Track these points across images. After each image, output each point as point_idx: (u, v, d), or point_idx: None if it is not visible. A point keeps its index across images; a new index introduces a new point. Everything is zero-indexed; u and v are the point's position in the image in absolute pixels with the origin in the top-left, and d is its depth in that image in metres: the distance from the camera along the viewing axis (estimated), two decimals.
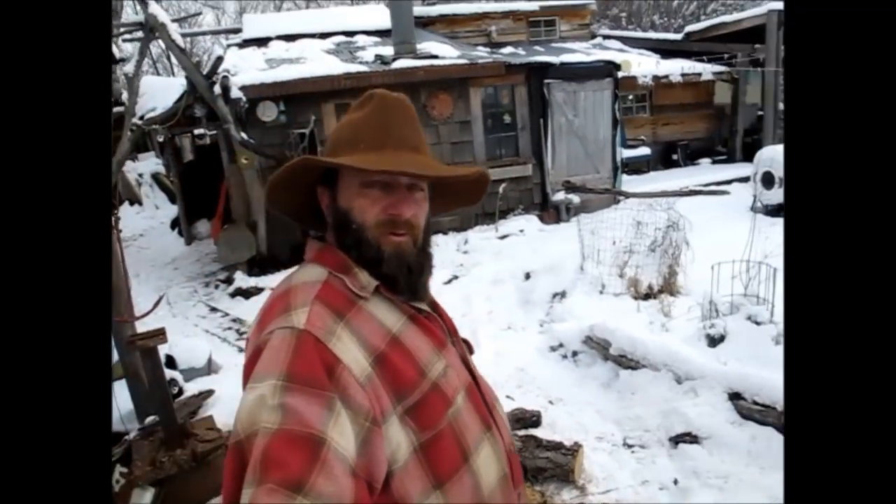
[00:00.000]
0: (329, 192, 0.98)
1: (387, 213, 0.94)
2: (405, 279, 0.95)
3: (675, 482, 3.10)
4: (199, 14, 20.74)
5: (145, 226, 12.04)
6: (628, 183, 9.96)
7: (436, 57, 8.31)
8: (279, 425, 0.73)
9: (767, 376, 3.32)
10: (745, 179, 8.84)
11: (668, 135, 12.42)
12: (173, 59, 18.44)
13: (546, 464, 3.10)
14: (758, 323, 3.89)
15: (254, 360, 0.83)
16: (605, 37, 14.92)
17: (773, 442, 3.17)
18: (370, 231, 0.93)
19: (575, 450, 3.15)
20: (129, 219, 12.04)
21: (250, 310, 6.57)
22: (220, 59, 7.13)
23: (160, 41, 7.49)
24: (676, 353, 3.70)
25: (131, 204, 12.78)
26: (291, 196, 1.02)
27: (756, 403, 3.28)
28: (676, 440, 3.33)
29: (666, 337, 4.09)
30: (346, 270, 0.93)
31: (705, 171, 10.89)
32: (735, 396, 3.37)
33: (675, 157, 12.09)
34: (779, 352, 3.65)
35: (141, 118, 7.47)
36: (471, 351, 1.11)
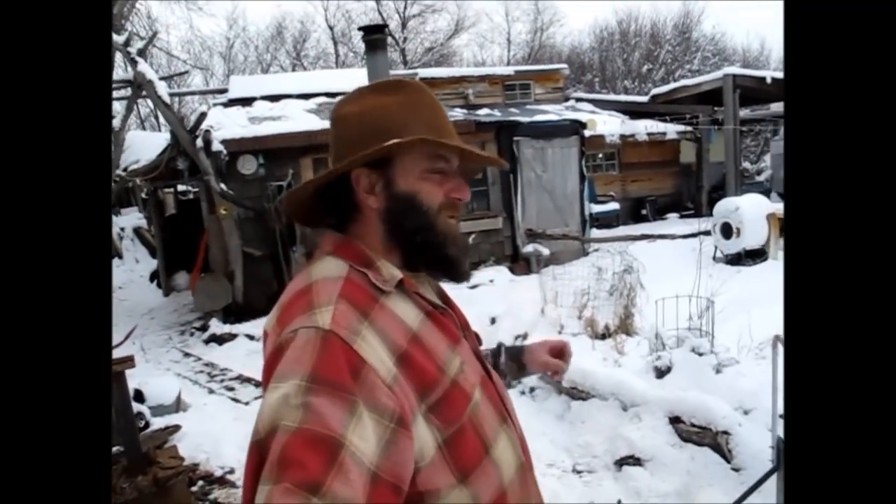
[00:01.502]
0: (378, 176, 0.94)
1: (450, 197, 0.95)
2: (463, 258, 0.99)
3: (619, 503, 3.25)
4: (187, 73, 21.42)
5: (124, 279, 12.14)
6: (598, 237, 10.32)
7: None
8: (300, 424, 0.72)
9: (704, 399, 3.52)
10: (709, 233, 9.25)
11: (637, 191, 12.94)
12: (161, 118, 18.97)
13: None
14: (700, 354, 4.11)
15: (276, 359, 0.81)
16: (578, 99, 15.67)
17: (709, 461, 3.35)
18: (437, 215, 0.94)
19: None
20: None
21: (224, 354, 6.70)
22: (203, 115, 7.51)
23: (147, 99, 7.88)
24: (622, 382, 3.91)
25: (111, 257, 12.92)
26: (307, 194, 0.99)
27: (693, 425, 3.47)
28: (621, 463, 3.49)
29: (615, 370, 4.29)
30: (369, 264, 0.92)
31: (673, 225, 11.31)
32: (675, 420, 3.55)
33: (643, 212, 12.55)
34: (718, 379, 3.86)
35: (124, 170, 7.76)
36: (480, 343, 1.12)
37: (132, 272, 12.56)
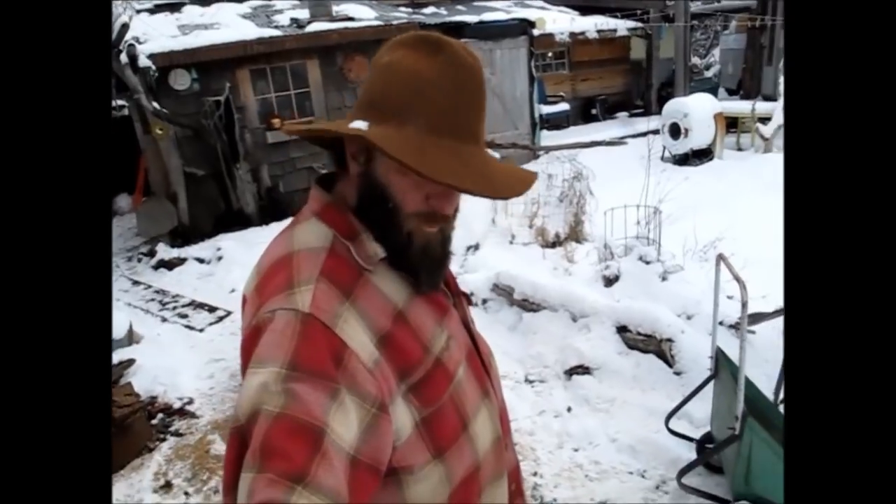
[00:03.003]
0: (363, 150, 0.86)
1: (429, 206, 0.85)
2: (427, 272, 0.89)
3: (569, 409, 3.42)
4: None
5: None
6: (548, 138, 10.25)
7: (352, 19, 8.28)
8: (282, 409, 0.70)
9: (650, 308, 3.66)
10: (657, 132, 9.29)
11: (587, 90, 12.78)
12: None
13: None
14: (647, 262, 4.22)
15: (254, 340, 0.78)
16: None
17: (653, 366, 3.53)
18: (406, 218, 0.84)
19: None
20: None
21: (174, 280, 6.56)
22: (125, 27, 6.91)
23: None
24: (572, 293, 4.01)
25: None
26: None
27: (640, 334, 3.62)
28: (571, 372, 3.64)
29: (565, 280, 4.39)
30: (353, 237, 0.86)
31: (622, 125, 11.32)
32: (622, 329, 3.69)
33: (594, 111, 12.47)
34: (664, 287, 4.00)
35: None
36: (469, 303, 1.07)
37: None
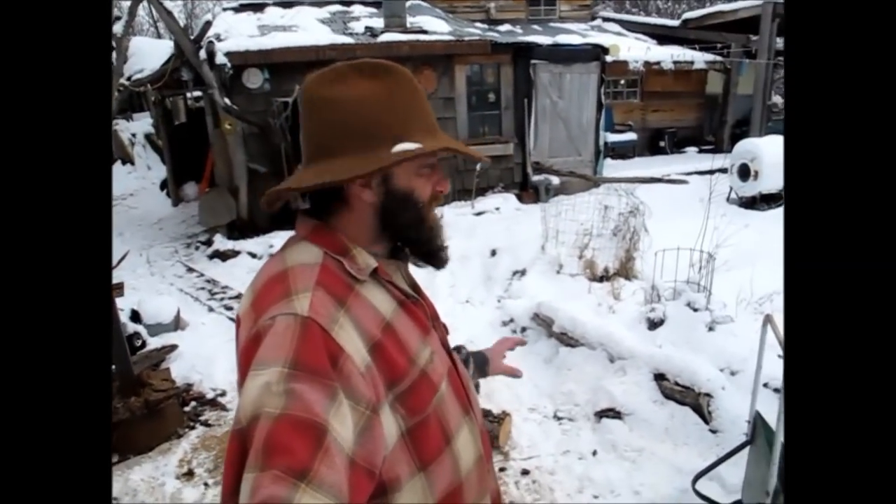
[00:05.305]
0: (377, 172, 0.92)
1: (436, 191, 0.98)
2: (443, 247, 1.02)
3: (594, 453, 3.31)
4: None
5: (136, 186, 12.16)
6: (611, 167, 10.08)
7: (425, 32, 8.37)
8: (283, 410, 0.71)
9: (691, 359, 3.51)
10: (725, 171, 8.97)
11: (657, 122, 12.50)
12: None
13: None
14: (695, 309, 4.06)
15: (254, 346, 0.80)
16: (605, 19, 14.90)
17: (688, 420, 3.37)
18: (426, 209, 0.97)
19: (501, 418, 3.34)
20: (120, 178, 12.16)
21: (226, 271, 6.76)
22: (208, 24, 7.20)
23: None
24: (611, 334, 3.89)
25: (123, 163, 12.88)
26: None
27: (678, 384, 3.47)
28: (601, 415, 3.53)
29: (608, 318, 4.27)
30: (344, 252, 0.92)
31: (690, 160, 10.98)
32: (659, 377, 3.56)
33: (662, 144, 12.18)
34: (709, 337, 3.84)
35: (128, 79, 7.56)
36: (447, 333, 1.14)
37: (144, 179, 12.56)
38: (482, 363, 1.36)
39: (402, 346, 0.90)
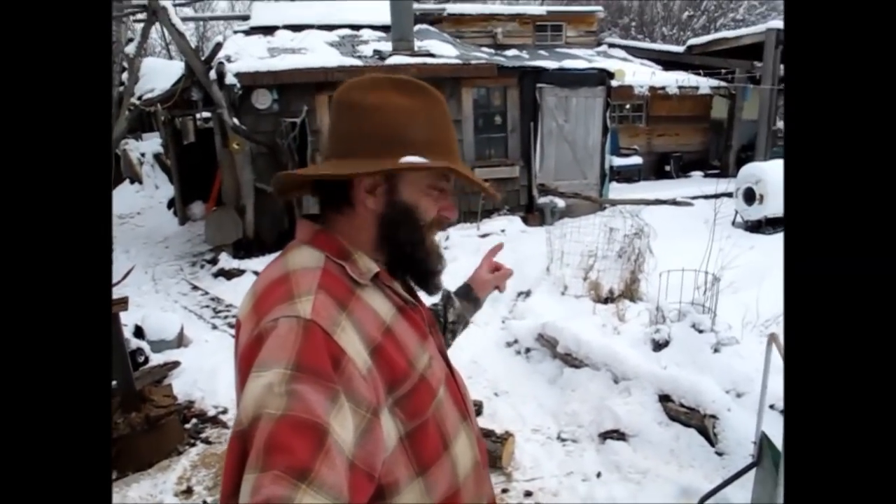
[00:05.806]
0: (383, 179, 0.95)
1: (441, 215, 0.98)
2: (439, 272, 1.02)
3: (598, 475, 3.26)
4: None
5: (143, 204, 12.25)
6: (617, 191, 10.10)
7: (432, 55, 8.48)
8: (284, 411, 0.71)
9: (696, 380, 3.47)
10: (730, 195, 8.98)
11: (662, 146, 12.56)
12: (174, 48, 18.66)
13: None
14: (700, 331, 4.03)
15: (255, 348, 0.80)
16: (611, 45, 15.05)
17: (693, 442, 3.33)
18: (427, 230, 0.97)
19: (504, 438, 3.31)
20: (127, 197, 12.26)
21: (230, 289, 6.77)
22: (218, 45, 7.33)
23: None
24: (616, 355, 3.86)
25: (132, 182, 13.00)
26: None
27: (683, 406, 3.43)
28: (605, 436, 3.48)
29: (612, 339, 4.24)
30: (346, 257, 0.92)
31: (695, 184, 10.98)
32: (664, 398, 3.52)
33: (667, 168, 12.21)
34: (715, 359, 3.80)
35: (139, 98, 7.67)
36: (444, 342, 1.16)
37: (151, 198, 12.64)
38: (466, 293, 1.37)
39: (402, 350, 0.91)
